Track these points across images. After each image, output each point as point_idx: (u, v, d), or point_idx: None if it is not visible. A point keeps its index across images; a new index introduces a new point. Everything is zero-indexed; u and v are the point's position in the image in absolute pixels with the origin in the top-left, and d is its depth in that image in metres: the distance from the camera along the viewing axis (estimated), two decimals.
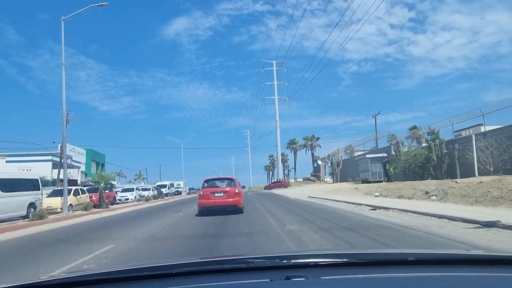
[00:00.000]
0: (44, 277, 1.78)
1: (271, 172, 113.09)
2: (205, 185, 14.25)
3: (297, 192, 33.23)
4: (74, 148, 59.29)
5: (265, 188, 60.99)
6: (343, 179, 43.54)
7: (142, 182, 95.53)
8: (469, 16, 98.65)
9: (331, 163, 50.77)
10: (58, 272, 5.26)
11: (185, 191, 61.98)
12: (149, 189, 38.02)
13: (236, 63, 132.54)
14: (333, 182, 47.37)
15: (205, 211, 13.54)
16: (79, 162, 61.83)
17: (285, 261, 1.65)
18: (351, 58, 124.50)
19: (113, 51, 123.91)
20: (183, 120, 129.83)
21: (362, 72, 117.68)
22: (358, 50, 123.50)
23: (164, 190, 48.72)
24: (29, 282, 1.53)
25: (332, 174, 50.43)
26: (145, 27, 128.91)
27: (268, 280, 1.44)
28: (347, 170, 44.01)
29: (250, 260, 1.67)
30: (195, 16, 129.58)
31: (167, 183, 51.90)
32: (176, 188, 57.53)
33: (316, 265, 1.63)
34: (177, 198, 42.23)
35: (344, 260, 1.66)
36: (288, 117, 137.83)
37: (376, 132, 51.69)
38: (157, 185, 51.24)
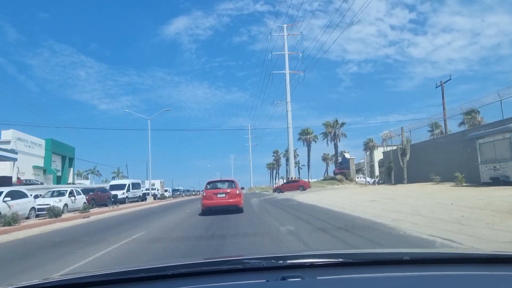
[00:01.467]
0: (38, 280, 1.58)
1: (275, 171, 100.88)
2: (208, 186, 14.78)
3: (359, 202, 15.27)
4: (7, 132, 42.21)
5: (276, 190, 42.36)
6: (412, 179, 25.59)
7: None
8: (469, 18, 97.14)
9: (384, 153, 32.71)
10: None
11: (157, 196, 43.44)
12: (64, 193, 19.79)
13: (236, 63, 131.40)
14: (382, 183, 29.50)
15: (207, 211, 13.93)
16: (15, 153, 42.87)
17: (281, 262, 1.61)
18: (352, 59, 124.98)
19: (113, 50, 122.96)
20: (183, 120, 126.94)
21: (362, 73, 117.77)
22: (359, 51, 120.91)
23: (120, 193, 30.72)
24: (23, 285, 1.50)
25: (389, 169, 31.58)
26: (145, 26, 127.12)
27: (264, 280, 1.42)
28: (415, 164, 26.23)
29: (246, 260, 1.62)
30: (195, 16, 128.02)
31: (126, 182, 33.70)
32: (146, 190, 39.36)
33: (312, 265, 1.61)
34: (131, 208, 24.11)
35: (340, 260, 1.64)
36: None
37: (444, 107, 33.71)
38: (111, 186, 33.16)
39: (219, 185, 14.91)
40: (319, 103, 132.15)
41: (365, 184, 43.34)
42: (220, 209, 13.72)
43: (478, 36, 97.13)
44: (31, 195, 17.18)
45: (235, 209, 13.83)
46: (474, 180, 18.56)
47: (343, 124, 57.40)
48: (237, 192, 14.34)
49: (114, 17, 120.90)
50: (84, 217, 16.50)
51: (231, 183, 15.11)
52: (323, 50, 77.82)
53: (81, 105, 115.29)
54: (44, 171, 50.54)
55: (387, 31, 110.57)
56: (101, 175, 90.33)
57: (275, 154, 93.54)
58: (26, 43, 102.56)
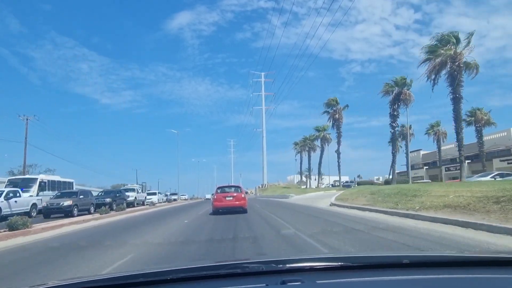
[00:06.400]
0: (32, 286, 1.64)
1: (310, 154, 61.47)
2: (218, 191, 18.05)
3: None
4: None
5: None
6: None
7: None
8: (475, 19, 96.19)
9: None
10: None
11: None
12: None
13: (238, 60, 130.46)
14: None
15: (217, 211, 16.90)
16: None
17: (281, 266, 1.62)
18: (355, 59, 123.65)
19: (115, 44, 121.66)
20: (184, 116, 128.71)
21: (365, 73, 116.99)
22: (362, 50, 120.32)
23: None
24: None
25: None
26: (148, 20, 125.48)
27: (264, 285, 1.42)
28: None
29: (246, 265, 1.66)
30: (198, 11, 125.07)
31: None
32: None
33: (311, 269, 1.61)
34: None
35: (340, 263, 1.65)
36: (290, 116, 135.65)
37: None
38: None
39: (227, 189, 18.20)
40: (321, 103, 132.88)
41: None
42: (228, 210, 16.57)
43: (483, 38, 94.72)
44: None
45: (240, 210, 16.56)
46: None
47: None
48: (243, 196, 17.52)
49: (117, 11, 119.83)
50: None
51: (237, 188, 18.77)
52: (317, 46, 77.11)
53: (83, 99, 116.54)
54: None
55: (391, 31, 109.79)
56: None
57: (332, 109, 50.69)
58: (28, 34, 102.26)
